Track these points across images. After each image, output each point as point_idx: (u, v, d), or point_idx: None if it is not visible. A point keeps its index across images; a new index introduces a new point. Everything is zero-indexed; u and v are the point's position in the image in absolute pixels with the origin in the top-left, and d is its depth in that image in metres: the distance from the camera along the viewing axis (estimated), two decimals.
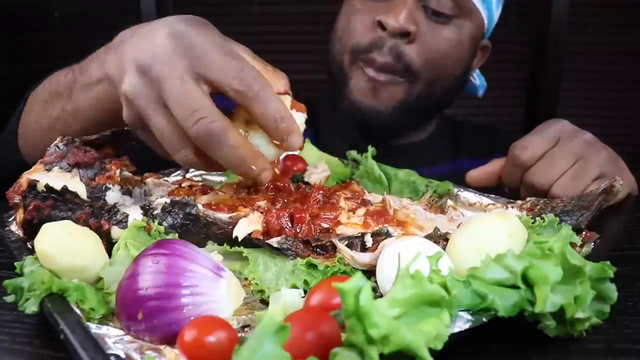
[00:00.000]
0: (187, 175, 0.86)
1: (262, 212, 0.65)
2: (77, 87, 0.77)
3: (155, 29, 0.62)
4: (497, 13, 1.17)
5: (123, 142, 0.71)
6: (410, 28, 1.04)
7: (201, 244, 0.63)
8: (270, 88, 0.61)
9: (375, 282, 0.56)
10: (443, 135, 1.31)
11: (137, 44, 0.63)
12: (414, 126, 1.22)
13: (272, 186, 0.71)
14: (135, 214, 0.65)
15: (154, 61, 0.60)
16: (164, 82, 0.59)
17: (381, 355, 0.40)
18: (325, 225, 0.63)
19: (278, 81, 0.65)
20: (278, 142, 0.63)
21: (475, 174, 0.88)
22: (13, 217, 0.68)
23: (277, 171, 0.68)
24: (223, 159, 0.61)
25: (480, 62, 1.25)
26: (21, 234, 0.66)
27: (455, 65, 1.13)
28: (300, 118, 0.64)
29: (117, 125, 0.70)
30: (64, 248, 0.55)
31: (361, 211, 0.65)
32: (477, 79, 1.28)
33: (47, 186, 0.63)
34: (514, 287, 0.47)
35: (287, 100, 0.64)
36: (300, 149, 0.63)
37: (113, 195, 0.66)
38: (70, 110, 0.79)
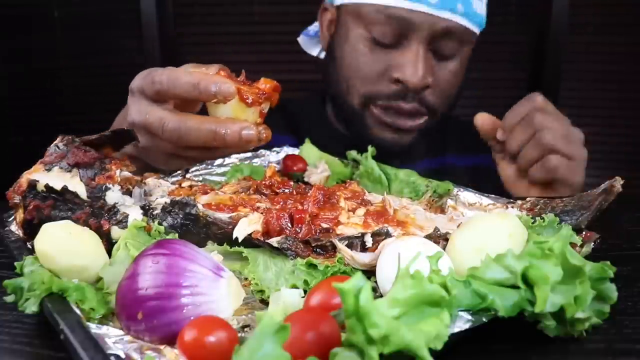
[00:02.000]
0: (187, 175, 0.86)
1: (262, 213, 0.65)
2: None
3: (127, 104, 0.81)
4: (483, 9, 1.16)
5: (123, 142, 0.71)
6: (429, 81, 1.08)
7: (201, 244, 0.63)
8: (175, 72, 0.72)
9: (375, 282, 0.56)
10: (430, 131, 1.31)
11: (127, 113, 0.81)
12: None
13: (270, 184, 0.72)
14: (135, 214, 0.65)
15: (133, 116, 0.77)
16: (145, 125, 0.75)
17: (381, 355, 0.40)
18: (325, 225, 0.63)
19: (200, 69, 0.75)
20: (215, 101, 0.70)
21: (484, 117, 0.99)
22: (13, 217, 0.68)
23: (263, 135, 0.72)
24: (197, 140, 0.71)
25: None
26: (21, 234, 0.66)
27: (460, 83, 1.17)
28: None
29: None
30: (64, 248, 0.55)
31: (361, 211, 0.65)
32: None
33: (47, 186, 0.63)
34: (514, 287, 0.47)
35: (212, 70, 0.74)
36: (231, 93, 0.70)
37: (113, 195, 0.66)
38: None
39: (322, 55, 1.28)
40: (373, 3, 1.06)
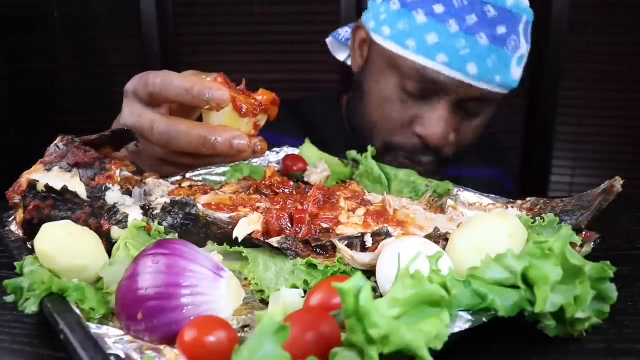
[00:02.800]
0: (187, 175, 0.86)
1: (262, 213, 0.65)
2: None
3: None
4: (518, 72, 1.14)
5: (123, 142, 0.71)
6: (450, 139, 1.10)
7: (201, 244, 0.63)
8: (170, 75, 0.71)
9: (375, 282, 0.56)
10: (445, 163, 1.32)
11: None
12: None
13: (270, 184, 0.72)
14: (135, 214, 0.65)
15: (126, 118, 0.76)
16: (137, 127, 0.74)
17: (381, 355, 0.40)
18: (325, 225, 0.63)
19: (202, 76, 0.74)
20: (208, 107, 0.69)
21: None
22: (13, 217, 0.68)
23: (259, 146, 0.70)
24: (186, 145, 0.70)
25: None
26: (21, 234, 0.66)
27: (479, 134, 1.18)
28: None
29: None
30: (64, 248, 0.55)
31: (361, 211, 0.65)
32: None
33: (47, 186, 0.63)
34: (514, 287, 0.47)
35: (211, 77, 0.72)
36: (225, 101, 0.68)
37: (113, 195, 0.66)
38: None
39: (350, 62, 1.28)
40: (412, 60, 1.05)
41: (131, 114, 0.75)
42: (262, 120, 0.73)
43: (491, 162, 1.31)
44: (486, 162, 1.29)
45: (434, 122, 1.08)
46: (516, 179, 1.47)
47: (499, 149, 1.40)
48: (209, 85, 0.68)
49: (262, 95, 0.72)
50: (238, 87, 0.72)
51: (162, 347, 0.47)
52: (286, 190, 0.72)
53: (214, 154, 0.69)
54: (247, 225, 0.63)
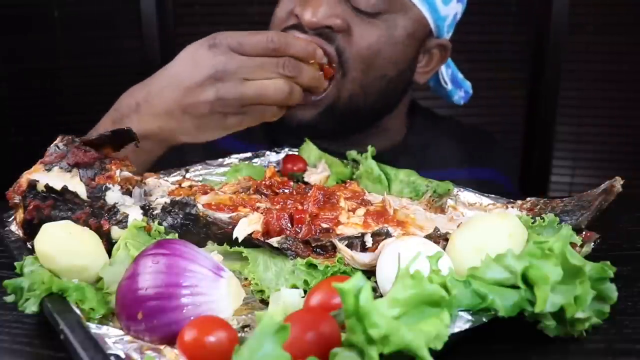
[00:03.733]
0: (187, 175, 0.86)
1: (262, 213, 0.65)
2: None
3: (193, 51, 0.92)
4: (449, 9, 1.06)
5: (123, 142, 0.71)
6: (330, 22, 0.96)
7: (201, 244, 0.63)
8: (286, 36, 0.88)
9: (375, 282, 0.56)
10: (420, 140, 1.21)
11: (186, 78, 0.89)
12: (351, 130, 1.10)
13: (269, 184, 0.72)
14: (135, 214, 0.65)
15: (225, 65, 0.84)
16: (240, 70, 0.84)
17: (381, 355, 0.40)
18: (325, 225, 0.63)
19: None
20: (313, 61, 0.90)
21: None
22: (13, 217, 0.68)
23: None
24: (307, 76, 0.88)
25: (439, 63, 1.14)
26: (21, 234, 0.66)
27: (388, 64, 1.03)
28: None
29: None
30: (64, 248, 0.55)
31: (361, 211, 0.65)
32: (450, 83, 1.18)
33: (47, 186, 0.63)
34: (514, 287, 0.47)
35: None
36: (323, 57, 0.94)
37: (113, 195, 0.66)
38: None
39: None
40: None
41: (231, 59, 0.84)
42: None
43: (491, 163, 1.29)
44: (486, 163, 1.27)
45: (314, 1, 0.96)
46: (516, 180, 1.42)
47: (499, 150, 1.38)
48: (315, 46, 0.90)
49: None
50: None
51: (162, 347, 0.47)
52: (286, 190, 0.72)
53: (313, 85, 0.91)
54: (247, 225, 0.63)
